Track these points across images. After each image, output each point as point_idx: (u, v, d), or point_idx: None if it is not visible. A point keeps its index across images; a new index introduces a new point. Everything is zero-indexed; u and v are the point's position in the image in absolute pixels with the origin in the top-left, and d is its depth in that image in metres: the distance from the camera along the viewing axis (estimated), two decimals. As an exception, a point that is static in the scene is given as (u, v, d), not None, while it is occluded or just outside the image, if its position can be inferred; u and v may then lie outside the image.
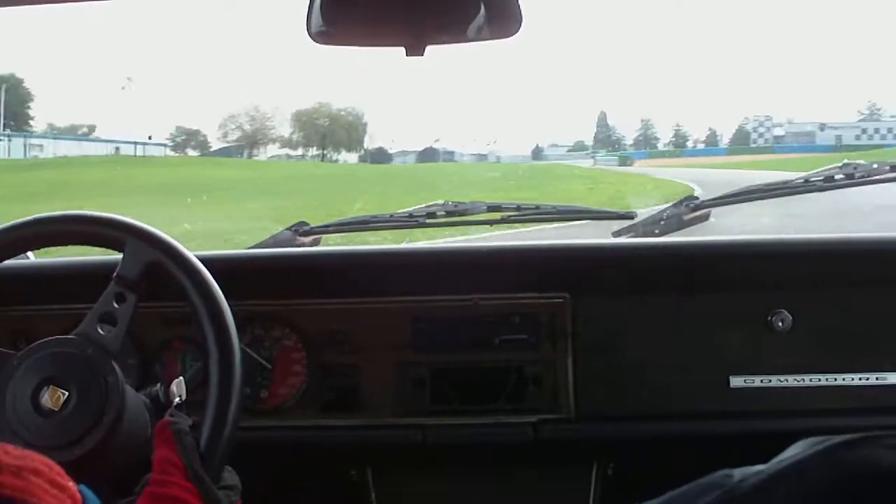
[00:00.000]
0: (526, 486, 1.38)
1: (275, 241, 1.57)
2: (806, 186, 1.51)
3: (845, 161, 1.54)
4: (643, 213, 1.59)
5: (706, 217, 1.55)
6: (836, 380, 1.26)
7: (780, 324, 1.26)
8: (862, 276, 1.31)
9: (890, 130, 54.41)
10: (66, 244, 1.12)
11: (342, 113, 45.39)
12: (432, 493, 1.39)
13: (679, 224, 1.51)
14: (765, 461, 0.55)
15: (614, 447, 1.36)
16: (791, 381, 1.26)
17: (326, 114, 45.19)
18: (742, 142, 61.44)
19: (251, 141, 40.79)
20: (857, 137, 53.34)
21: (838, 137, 53.34)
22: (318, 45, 0.92)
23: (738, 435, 1.30)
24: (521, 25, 0.88)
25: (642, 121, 72.67)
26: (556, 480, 1.37)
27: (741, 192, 1.55)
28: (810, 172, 1.58)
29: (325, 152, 41.91)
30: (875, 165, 1.48)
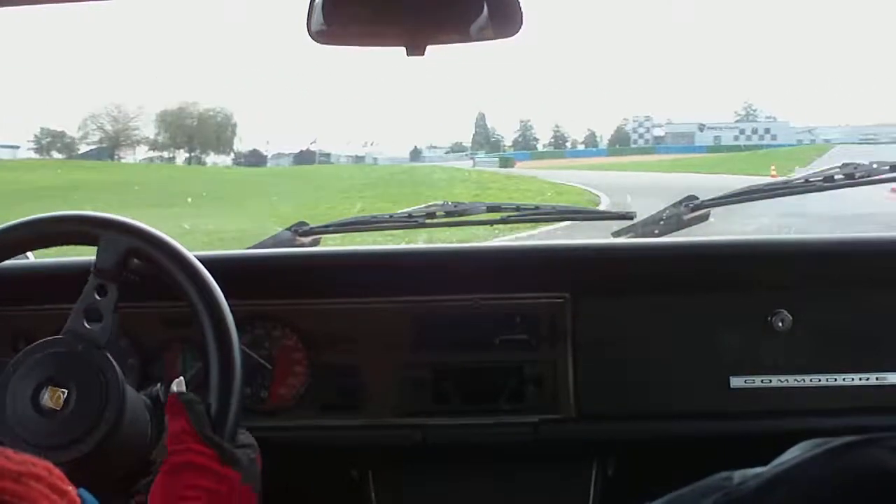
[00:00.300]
0: (526, 486, 1.38)
1: (274, 242, 1.57)
2: (805, 187, 1.52)
3: (844, 161, 1.54)
4: (642, 213, 1.59)
5: (706, 217, 1.55)
6: (836, 380, 1.26)
7: (780, 324, 1.26)
8: (862, 277, 1.31)
9: (767, 131, 55.64)
10: (38, 248, 1.12)
11: (210, 113, 43.16)
12: (432, 493, 1.39)
13: (679, 224, 1.51)
14: (765, 461, 0.55)
15: (614, 447, 1.36)
16: (791, 381, 1.26)
17: (193, 114, 42.61)
18: (622, 142, 62.46)
19: (114, 142, 38.41)
20: (736, 138, 54.93)
21: (717, 138, 55.44)
22: (318, 44, 0.92)
23: (738, 435, 1.30)
24: (522, 25, 0.88)
25: (521, 122, 74.50)
26: (556, 480, 1.37)
27: (741, 193, 1.56)
28: (809, 173, 1.58)
29: (193, 155, 40.32)
30: (875, 165, 1.48)
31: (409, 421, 1.31)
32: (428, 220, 1.57)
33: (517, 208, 1.61)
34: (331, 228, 1.62)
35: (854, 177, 1.48)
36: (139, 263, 1.05)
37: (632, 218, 1.56)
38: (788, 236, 1.40)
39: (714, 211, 1.57)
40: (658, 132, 62.25)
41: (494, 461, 1.38)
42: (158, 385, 1.04)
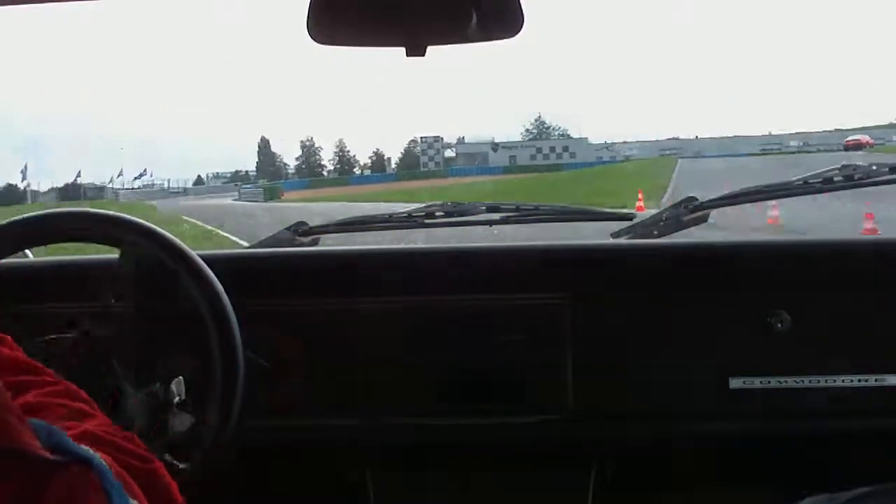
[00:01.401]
0: (525, 486, 1.38)
1: (274, 241, 1.57)
2: (804, 188, 1.52)
3: (844, 163, 1.54)
4: (642, 213, 1.59)
5: (705, 218, 1.55)
6: (835, 381, 1.26)
7: (780, 325, 1.26)
8: (861, 278, 1.31)
9: (566, 149, 53.42)
10: (61, 242, 1.12)
11: None
12: (431, 494, 1.39)
13: (678, 225, 1.51)
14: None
15: (614, 447, 1.36)
16: (790, 382, 1.26)
17: None
18: (412, 166, 57.39)
19: None
20: (532, 157, 52.65)
21: (512, 158, 53.11)
22: (318, 45, 0.92)
23: (738, 436, 1.30)
24: (522, 25, 0.88)
25: (304, 145, 66.46)
26: (555, 480, 1.37)
27: (741, 193, 1.56)
28: (809, 174, 1.58)
29: None
30: (874, 167, 1.48)
31: (409, 421, 1.31)
32: (427, 220, 1.57)
33: (517, 208, 1.61)
34: (330, 228, 1.62)
35: (853, 178, 1.48)
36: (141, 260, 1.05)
37: (631, 219, 1.56)
38: (788, 237, 1.40)
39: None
40: (449, 153, 58.45)
41: (493, 461, 1.38)
42: (158, 384, 1.04)
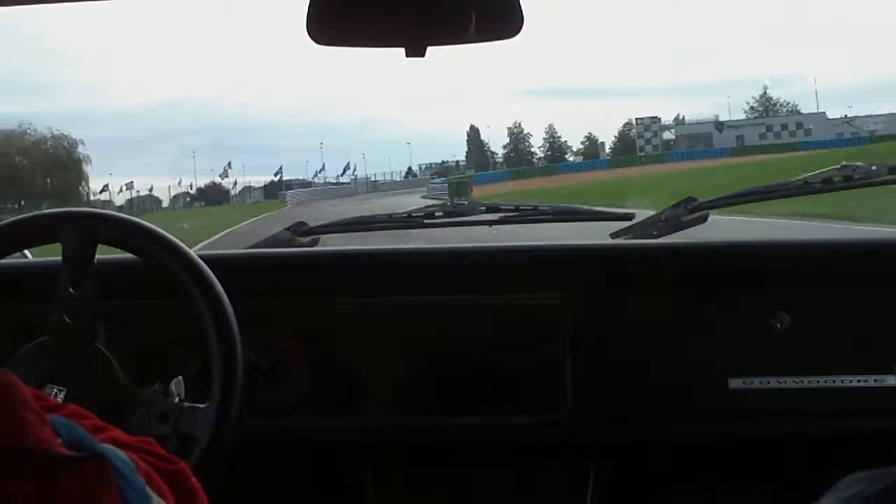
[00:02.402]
0: (525, 486, 1.38)
1: (274, 242, 1.57)
2: (804, 189, 1.52)
3: (843, 163, 1.54)
4: (641, 213, 1.59)
5: (704, 219, 1.55)
6: (834, 381, 1.26)
7: (779, 325, 1.26)
8: (861, 278, 1.31)
9: (800, 125, 46.41)
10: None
11: (48, 146, 28.94)
12: (431, 494, 1.39)
13: (677, 225, 1.51)
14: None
15: (613, 447, 1.36)
16: (790, 382, 1.26)
17: (20, 146, 28.34)
18: (627, 151, 51.51)
19: None
20: (762, 136, 45.76)
21: (740, 138, 45.99)
22: (318, 45, 0.92)
23: (737, 436, 1.31)
24: (522, 25, 0.88)
25: (511, 132, 61.72)
26: (554, 480, 1.37)
27: (741, 194, 1.56)
28: (808, 174, 1.58)
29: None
30: (874, 168, 1.47)
31: (408, 421, 1.31)
32: (427, 221, 1.57)
33: (516, 209, 1.61)
34: (330, 228, 1.62)
35: (853, 179, 1.48)
36: (138, 261, 1.05)
37: (631, 219, 1.56)
38: (787, 237, 1.40)
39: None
40: (668, 135, 52.18)
41: (493, 461, 1.38)
42: (157, 384, 1.04)
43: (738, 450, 1.35)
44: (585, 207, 1.69)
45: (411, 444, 1.31)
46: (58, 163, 28.89)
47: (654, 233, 1.51)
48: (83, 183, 29.97)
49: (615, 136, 59.75)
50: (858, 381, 1.26)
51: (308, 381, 1.33)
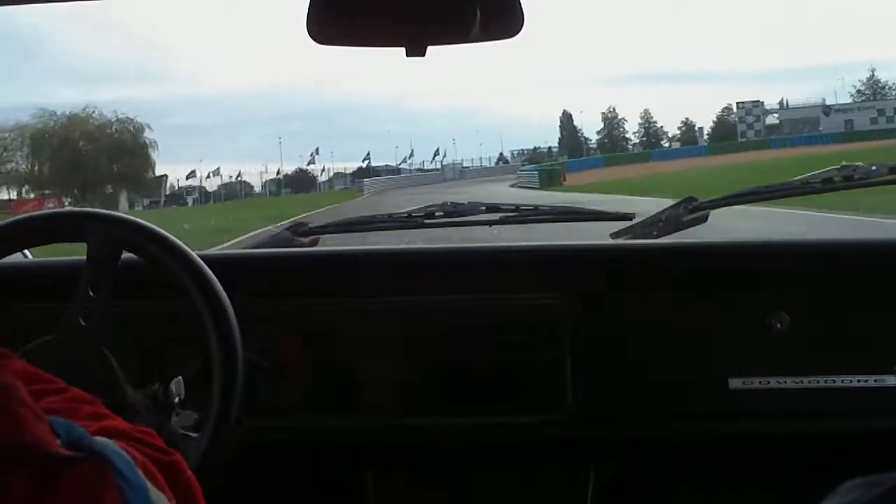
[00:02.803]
0: (525, 486, 1.38)
1: (273, 242, 1.57)
2: (803, 188, 1.52)
3: (843, 163, 1.54)
4: (642, 214, 1.59)
5: (704, 218, 1.55)
6: (834, 381, 1.26)
7: (779, 325, 1.26)
8: (861, 278, 1.31)
9: None
10: (58, 242, 1.13)
11: (112, 130, 27.70)
12: (431, 494, 1.39)
13: (677, 225, 1.51)
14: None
15: (613, 447, 1.36)
16: (790, 382, 1.26)
17: (84, 130, 27.20)
18: (727, 136, 48.40)
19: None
20: (874, 121, 42.06)
21: (848, 123, 42.55)
22: (318, 45, 0.92)
23: (737, 436, 1.30)
24: (522, 25, 0.88)
25: (605, 117, 59.07)
26: (555, 480, 1.37)
27: (740, 194, 1.56)
28: (808, 174, 1.58)
29: (78, 201, 24.85)
30: (874, 168, 1.47)
31: (409, 421, 1.31)
32: (427, 221, 1.57)
33: (516, 208, 1.61)
34: (329, 228, 1.62)
35: (853, 178, 1.48)
36: (139, 260, 1.05)
37: (631, 219, 1.56)
38: (787, 238, 1.40)
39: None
40: (771, 120, 48.73)
41: (493, 461, 1.38)
42: (158, 384, 1.04)
43: (738, 450, 1.35)
44: (585, 207, 1.69)
45: (411, 444, 1.31)
46: (123, 147, 27.90)
47: (654, 233, 1.51)
48: (150, 169, 29.00)
49: (713, 121, 56.34)
50: (858, 381, 1.26)
51: (308, 381, 1.32)
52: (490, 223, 1.61)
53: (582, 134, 60.31)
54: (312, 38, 0.91)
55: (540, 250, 1.41)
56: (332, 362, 1.32)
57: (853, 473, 0.64)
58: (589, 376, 1.29)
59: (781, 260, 1.36)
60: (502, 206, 1.63)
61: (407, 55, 0.92)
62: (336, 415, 1.32)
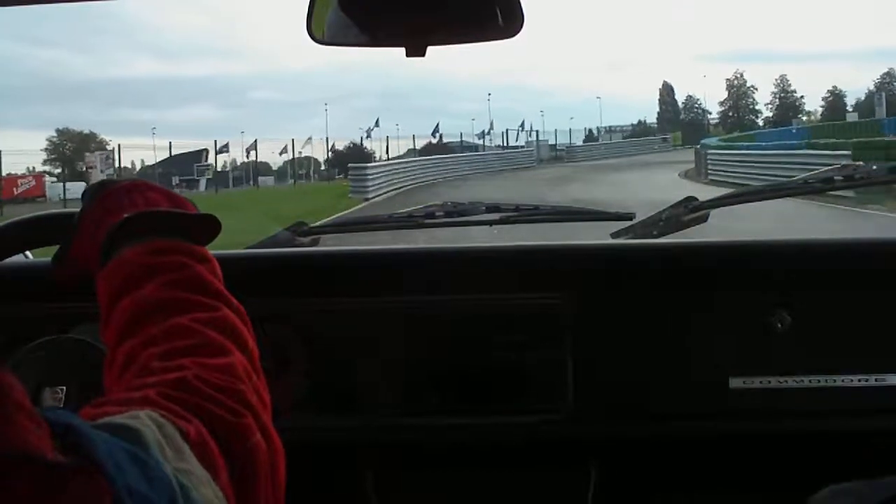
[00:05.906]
0: (524, 487, 1.38)
1: (273, 242, 1.57)
2: (803, 188, 1.52)
3: (844, 163, 1.54)
4: (642, 214, 1.59)
5: (705, 218, 1.55)
6: (835, 381, 1.26)
7: (780, 324, 1.26)
8: (862, 277, 1.31)
9: None
10: (28, 249, 1.12)
11: None
12: (431, 494, 1.39)
13: (678, 225, 1.51)
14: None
15: (614, 447, 1.36)
16: (790, 381, 1.26)
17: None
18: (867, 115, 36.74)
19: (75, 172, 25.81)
20: None
21: None
22: (318, 45, 0.93)
23: (737, 436, 1.30)
24: (522, 25, 0.88)
25: (731, 84, 49.45)
26: (555, 481, 1.37)
27: (740, 193, 1.56)
28: (809, 174, 1.58)
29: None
30: (874, 168, 1.47)
31: (409, 421, 1.31)
32: (427, 220, 1.57)
33: (516, 208, 1.61)
34: (329, 228, 1.62)
35: (853, 178, 1.48)
36: None
37: (631, 219, 1.56)
38: (788, 237, 1.40)
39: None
40: None
41: (493, 461, 1.38)
42: None
43: (739, 449, 1.35)
44: (585, 207, 1.69)
45: (411, 444, 1.31)
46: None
47: (655, 233, 1.51)
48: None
49: (866, 91, 46.48)
50: (859, 380, 1.26)
51: (308, 381, 1.32)
52: (490, 223, 1.60)
53: (699, 105, 52.54)
54: (312, 36, 0.91)
55: (540, 250, 1.41)
56: (331, 362, 1.32)
57: (854, 473, 0.64)
58: (589, 376, 1.29)
59: (782, 259, 1.36)
60: (502, 206, 1.63)
61: (407, 55, 0.92)
62: (335, 415, 1.32)
